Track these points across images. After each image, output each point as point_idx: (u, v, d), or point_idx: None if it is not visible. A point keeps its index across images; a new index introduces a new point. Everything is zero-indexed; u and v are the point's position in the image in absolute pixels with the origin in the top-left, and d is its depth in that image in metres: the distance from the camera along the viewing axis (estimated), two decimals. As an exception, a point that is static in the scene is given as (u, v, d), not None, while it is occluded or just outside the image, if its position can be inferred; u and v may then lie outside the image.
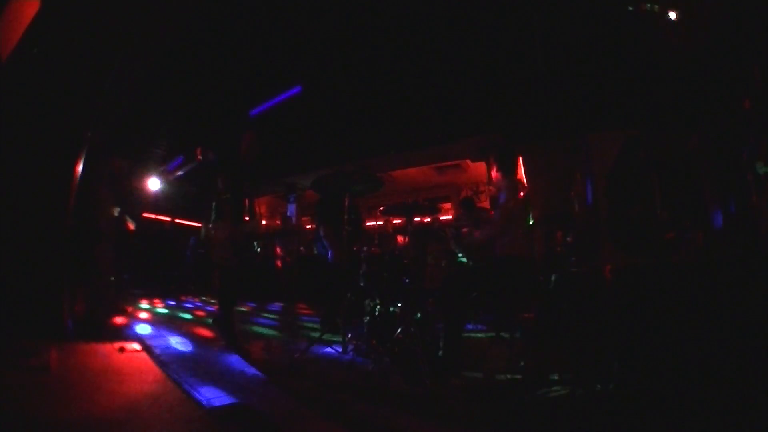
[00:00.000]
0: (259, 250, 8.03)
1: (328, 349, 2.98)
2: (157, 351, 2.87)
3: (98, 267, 3.77)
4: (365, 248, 3.36)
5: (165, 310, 5.51)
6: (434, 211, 4.13)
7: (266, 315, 5.45)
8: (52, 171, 2.98)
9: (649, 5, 4.29)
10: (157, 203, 8.31)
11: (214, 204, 3.24)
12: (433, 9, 6.02)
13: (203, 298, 7.19)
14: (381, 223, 6.95)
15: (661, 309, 2.04)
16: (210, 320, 3.74)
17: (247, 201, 3.55)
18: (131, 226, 4.82)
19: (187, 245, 8.35)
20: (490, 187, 6.97)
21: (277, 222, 8.94)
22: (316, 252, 4.71)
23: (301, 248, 7.39)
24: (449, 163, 8.39)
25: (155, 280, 8.07)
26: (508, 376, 2.46)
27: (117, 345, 2.79)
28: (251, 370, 2.49)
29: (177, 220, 9.76)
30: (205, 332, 3.74)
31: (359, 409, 1.94)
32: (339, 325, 3.11)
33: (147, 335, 3.48)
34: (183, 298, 7.17)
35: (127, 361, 2.56)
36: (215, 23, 5.99)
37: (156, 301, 6.45)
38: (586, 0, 5.03)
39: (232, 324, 3.14)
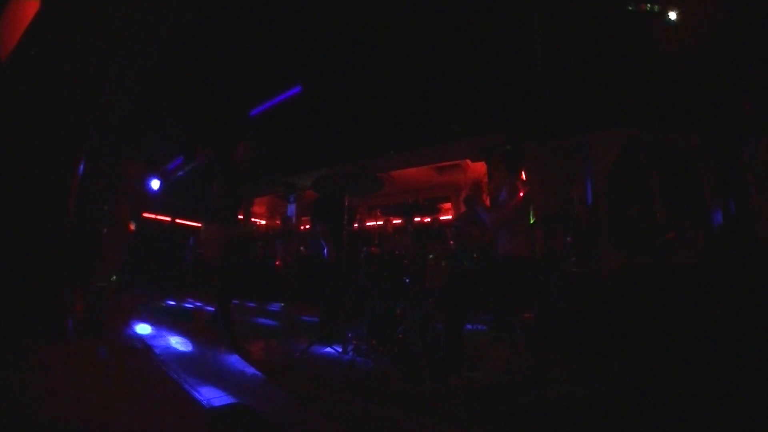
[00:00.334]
0: (259, 250, 8.04)
1: (328, 349, 2.98)
2: (157, 351, 2.87)
3: (98, 267, 3.77)
4: (365, 248, 3.36)
5: (165, 310, 5.50)
6: (434, 211, 4.12)
7: (266, 315, 5.45)
8: (52, 171, 2.98)
9: (649, 5, 4.29)
10: (157, 203, 8.32)
11: (207, 206, 3.26)
12: (433, 9, 6.02)
13: (203, 298, 7.18)
14: (381, 223, 6.95)
15: (661, 309, 2.04)
16: (209, 320, 3.74)
17: (242, 203, 3.56)
18: (131, 226, 4.83)
19: (186, 245, 8.36)
20: (491, 187, 6.97)
21: (277, 222, 8.95)
22: (307, 250, 4.70)
23: (301, 248, 7.40)
24: (449, 163, 8.40)
25: (155, 280, 8.07)
26: (508, 376, 2.46)
27: (117, 345, 2.79)
28: (251, 370, 2.49)
29: (177, 220, 9.77)
30: (205, 332, 3.73)
31: (359, 409, 1.93)
32: (339, 325, 3.11)
33: (147, 335, 3.47)
34: (183, 298, 7.16)
35: (127, 361, 2.56)
36: (215, 23, 5.99)
37: (156, 301, 6.44)
38: (585, 0, 5.03)
39: (232, 324, 3.14)
